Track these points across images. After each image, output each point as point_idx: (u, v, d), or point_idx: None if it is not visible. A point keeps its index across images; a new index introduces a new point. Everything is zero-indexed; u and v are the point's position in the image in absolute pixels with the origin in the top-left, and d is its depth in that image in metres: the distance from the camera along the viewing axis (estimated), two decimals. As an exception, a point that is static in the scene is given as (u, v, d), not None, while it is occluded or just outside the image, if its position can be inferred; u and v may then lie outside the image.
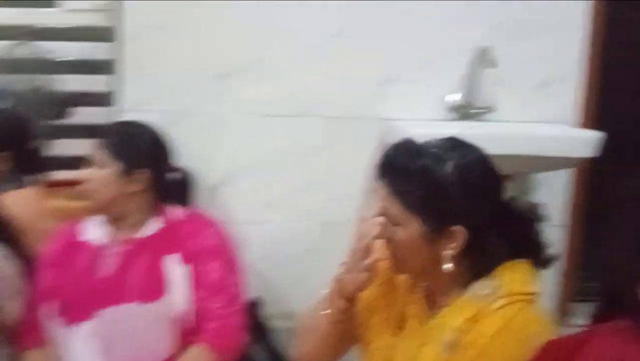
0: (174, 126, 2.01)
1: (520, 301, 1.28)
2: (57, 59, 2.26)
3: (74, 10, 2.24)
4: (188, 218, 1.85)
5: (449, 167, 1.29)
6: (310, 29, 2.22)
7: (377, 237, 1.32)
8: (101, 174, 1.78)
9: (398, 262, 1.35)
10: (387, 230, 1.31)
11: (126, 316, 1.74)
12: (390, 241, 1.32)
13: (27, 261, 1.79)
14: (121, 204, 1.79)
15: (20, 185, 2.01)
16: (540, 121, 2.32)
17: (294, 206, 2.28)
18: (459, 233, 1.29)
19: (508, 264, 1.32)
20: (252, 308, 1.98)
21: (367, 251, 1.33)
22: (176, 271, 1.76)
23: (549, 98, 2.33)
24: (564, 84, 2.34)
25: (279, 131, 2.25)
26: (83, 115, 2.26)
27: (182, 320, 1.74)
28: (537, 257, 1.35)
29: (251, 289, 1.93)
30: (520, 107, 2.32)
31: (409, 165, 1.31)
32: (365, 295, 1.41)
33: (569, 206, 2.43)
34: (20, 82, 2.24)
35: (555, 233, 2.27)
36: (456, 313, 1.29)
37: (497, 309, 1.26)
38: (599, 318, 1.15)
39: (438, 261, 1.30)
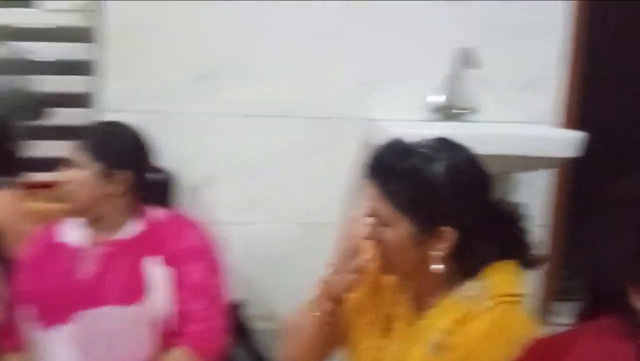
0: (155, 127, 1.98)
1: (507, 302, 1.28)
2: (36, 60, 2.23)
3: (53, 11, 2.21)
4: (169, 220, 1.84)
5: (439, 167, 1.29)
6: (292, 30, 2.21)
7: (367, 238, 1.31)
8: (80, 175, 1.76)
9: (386, 263, 1.34)
10: (376, 230, 1.31)
11: (106, 319, 1.72)
12: (379, 241, 1.31)
13: (5, 263, 1.76)
14: (101, 206, 1.77)
15: (-2, 187, 1.98)
16: (522, 121, 2.33)
17: (277, 207, 2.27)
18: (449, 234, 1.29)
19: (495, 265, 1.32)
20: (235, 310, 1.96)
21: (355, 252, 1.32)
22: (157, 273, 1.75)
23: (531, 99, 2.34)
24: (546, 84, 2.35)
25: (261, 132, 2.23)
26: (62, 116, 2.22)
27: (163, 323, 1.73)
28: (525, 258, 1.35)
29: (233, 291, 1.91)
30: (502, 107, 2.33)
31: (399, 165, 1.30)
32: (352, 296, 1.40)
33: (551, 206, 2.44)
34: (-2, 82, 2.21)
35: (536, 232, 2.28)
36: (444, 314, 1.29)
37: (485, 310, 1.26)
38: (583, 317, 1.14)
39: (426, 262, 1.30)
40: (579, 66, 2.39)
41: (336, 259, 1.36)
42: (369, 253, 1.33)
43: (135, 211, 1.81)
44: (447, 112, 2.28)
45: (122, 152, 1.79)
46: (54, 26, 2.22)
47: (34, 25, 2.22)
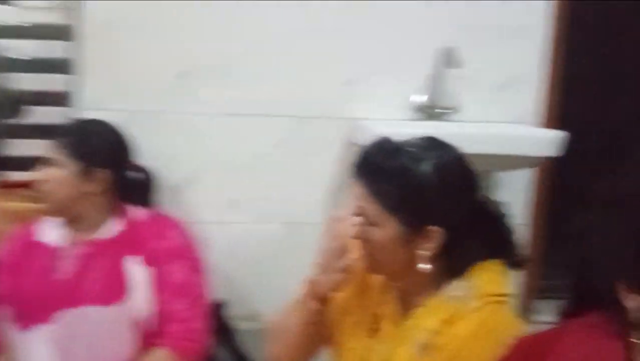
0: (136, 125, 1.97)
1: (494, 302, 1.28)
2: (14, 57, 2.20)
3: (31, 8, 2.18)
4: (150, 219, 1.82)
5: (427, 167, 1.28)
6: (275, 29, 2.19)
7: (354, 237, 1.30)
8: (59, 174, 1.74)
9: (373, 262, 1.33)
10: (363, 230, 1.30)
11: (85, 320, 1.70)
12: (366, 241, 1.31)
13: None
14: (80, 205, 1.75)
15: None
16: (503, 121, 2.34)
17: (259, 207, 2.25)
18: (436, 233, 1.28)
19: (482, 265, 1.31)
20: (217, 310, 1.95)
21: (342, 251, 1.31)
22: (137, 273, 1.73)
23: (513, 98, 2.35)
24: (527, 84, 2.36)
25: (243, 131, 2.22)
26: (40, 115, 2.19)
27: (144, 323, 1.71)
28: (511, 258, 1.35)
29: (215, 291, 1.90)
30: (484, 107, 2.33)
31: (387, 165, 1.29)
32: (339, 296, 1.40)
33: (531, 205, 2.45)
34: (-25, 80, 2.18)
35: (517, 231, 2.29)
36: (430, 315, 1.29)
37: (471, 311, 1.26)
38: (567, 315, 1.15)
39: (413, 262, 1.30)
40: (559, 66, 2.41)
41: (322, 259, 1.35)
42: (355, 253, 1.32)
43: (115, 211, 1.80)
44: (429, 111, 2.28)
45: (101, 151, 1.77)
46: (33, 23, 2.18)
47: (11, 23, 2.19)
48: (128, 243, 1.76)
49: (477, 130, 2.24)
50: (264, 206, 2.25)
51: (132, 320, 1.70)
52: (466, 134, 2.16)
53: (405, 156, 1.30)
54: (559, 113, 2.43)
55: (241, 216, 2.25)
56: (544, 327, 1.17)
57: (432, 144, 1.33)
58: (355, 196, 1.32)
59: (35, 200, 1.80)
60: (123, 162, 1.83)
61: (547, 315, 2.41)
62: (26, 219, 1.86)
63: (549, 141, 2.16)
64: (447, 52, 2.21)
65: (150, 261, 1.74)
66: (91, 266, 1.73)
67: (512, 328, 1.27)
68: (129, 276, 1.73)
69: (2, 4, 2.18)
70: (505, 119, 2.34)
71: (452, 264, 1.32)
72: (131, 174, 1.87)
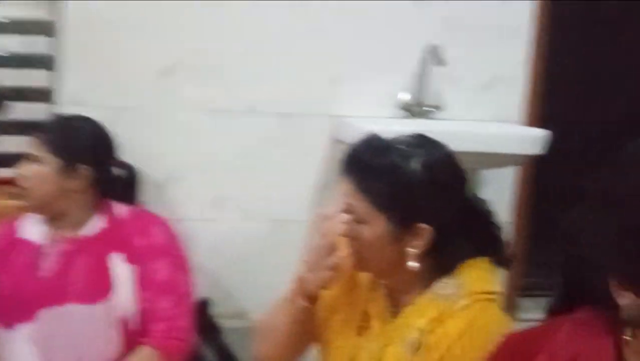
0: (118, 122, 1.96)
1: (483, 300, 1.27)
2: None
3: (12, 3, 2.15)
4: (134, 216, 1.81)
5: (416, 164, 1.28)
6: (259, 26, 2.18)
7: (342, 235, 1.29)
8: (40, 170, 1.72)
9: (361, 260, 1.32)
10: (352, 228, 1.29)
11: (68, 318, 1.68)
12: (354, 238, 1.30)
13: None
14: (62, 202, 1.73)
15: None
16: (487, 119, 2.35)
17: (243, 204, 2.24)
18: (425, 231, 1.28)
19: (470, 263, 1.31)
20: (202, 308, 1.93)
21: (331, 249, 1.31)
22: (121, 271, 1.72)
23: (497, 97, 2.36)
24: (512, 83, 2.37)
25: (228, 128, 2.20)
26: (21, 111, 2.16)
27: (128, 321, 1.70)
28: (499, 255, 1.35)
29: (201, 289, 1.89)
30: (468, 105, 2.34)
31: (376, 162, 1.29)
32: (327, 294, 1.39)
33: (514, 203, 2.47)
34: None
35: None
36: (420, 313, 1.28)
37: (460, 309, 1.26)
38: (554, 311, 1.15)
39: (402, 259, 1.29)
40: (542, 65, 2.42)
41: (310, 256, 1.34)
42: (344, 250, 1.31)
43: (98, 208, 1.78)
44: (413, 109, 2.29)
45: (83, 147, 1.75)
46: (13, 19, 2.15)
47: (-8, 18, 2.16)
48: (111, 241, 1.74)
49: (461, 128, 2.25)
50: (249, 203, 2.24)
51: (116, 318, 1.69)
52: (451, 132, 2.15)
53: (395, 153, 1.29)
54: (543, 112, 2.45)
55: (226, 213, 2.23)
56: (529, 325, 1.18)
57: (422, 142, 1.33)
58: (343, 193, 1.32)
59: (16, 197, 1.77)
60: (105, 159, 1.81)
61: (530, 313, 2.43)
62: (8, 216, 1.83)
63: (532, 140, 2.17)
64: (432, 50, 2.22)
65: (134, 258, 1.73)
66: (74, 263, 1.72)
67: (501, 325, 1.27)
68: (112, 274, 1.71)
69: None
70: (489, 118, 2.35)
71: (441, 262, 1.31)
72: (114, 170, 1.85)
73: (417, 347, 1.25)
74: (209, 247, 2.17)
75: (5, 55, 2.16)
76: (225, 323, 2.03)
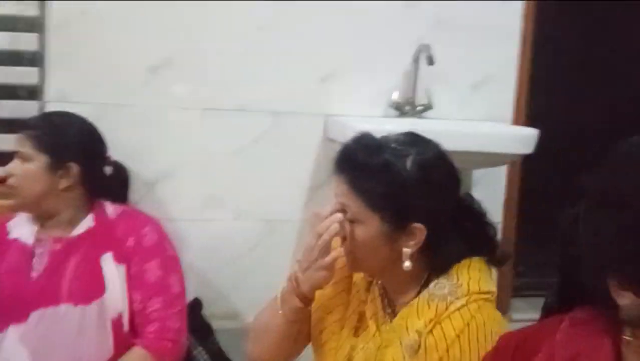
0: (107, 119, 1.94)
1: (479, 300, 1.27)
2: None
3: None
4: (124, 216, 1.79)
5: (409, 163, 1.27)
6: (251, 23, 2.17)
7: (336, 234, 1.28)
8: (27, 168, 1.70)
9: (355, 260, 1.32)
10: (346, 227, 1.28)
11: (59, 319, 1.66)
12: (347, 238, 1.29)
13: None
14: (50, 201, 1.72)
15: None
16: (478, 118, 2.35)
17: (235, 203, 2.23)
18: (419, 230, 1.27)
19: (464, 262, 1.30)
20: (194, 309, 1.92)
21: (325, 248, 1.30)
22: (112, 271, 1.69)
23: (487, 96, 2.37)
24: (502, 82, 2.38)
25: (220, 126, 2.19)
26: (8, 108, 2.13)
27: (119, 323, 1.68)
28: (492, 254, 1.35)
29: (193, 290, 1.87)
30: (459, 105, 2.35)
31: (369, 161, 1.28)
32: (321, 294, 1.38)
33: (503, 203, 2.47)
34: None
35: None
36: (416, 315, 1.27)
37: (457, 310, 1.25)
38: (550, 312, 1.14)
39: (396, 259, 1.29)
40: (529, 64, 2.43)
41: (304, 256, 1.33)
42: (337, 250, 1.31)
43: (87, 206, 1.76)
44: (404, 108, 2.28)
45: (71, 144, 1.74)
46: (0, 15, 2.12)
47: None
48: (101, 240, 1.72)
49: (452, 127, 2.25)
50: (240, 202, 2.23)
51: (108, 319, 1.67)
52: (442, 131, 2.15)
53: (388, 152, 1.28)
54: (534, 111, 2.46)
55: (218, 213, 2.22)
56: (521, 325, 1.17)
57: (414, 140, 1.32)
58: (336, 193, 1.31)
59: (5, 196, 1.75)
60: (94, 156, 1.80)
61: (521, 313, 2.44)
62: (-2, 216, 1.81)
63: (523, 139, 2.17)
64: (423, 49, 2.22)
65: (124, 258, 1.71)
66: (64, 264, 1.70)
67: (498, 325, 1.27)
68: (103, 274, 1.68)
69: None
70: (479, 117, 2.35)
71: (436, 261, 1.31)
72: (103, 169, 1.83)
73: (416, 349, 1.24)
74: (201, 247, 2.16)
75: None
76: (218, 324, 2.02)
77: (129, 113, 2.12)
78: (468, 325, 1.23)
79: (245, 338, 1.48)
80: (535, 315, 1.21)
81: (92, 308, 1.66)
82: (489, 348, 1.17)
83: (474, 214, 1.36)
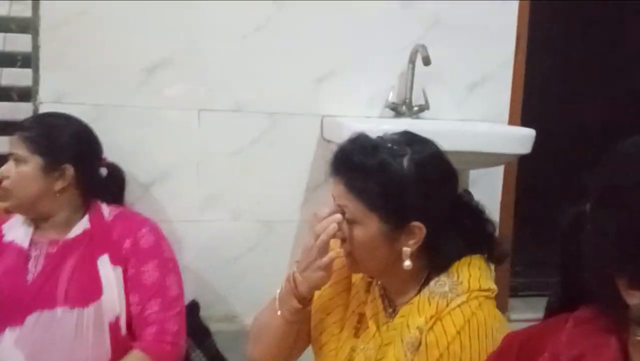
0: (103, 120, 1.93)
1: (479, 297, 1.27)
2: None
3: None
4: (120, 217, 1.78)
5: (406, 162, 1.27)
6: (247, 24, 2.16)
7: (335, 235, 1.28)
8: (22, 170, 1.68)
9: (355, 261, 1.31)
10: (344, 228, 1.28)
11: (55, 322, 1.65)
12: (347, 239, 1.28)
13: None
14: (45, 203, 1.71)
15: None
16: (475, 119, 2.35)
17: (232, 204, 2.22)
18: (418, 229, 1.27)
19: (464, 260, 1.30)
20: (191, 311, 1.90)
21: (323, 249, 1.29)
22: (109, 274, 1.68)
23: (484, 96, 2.37)
24: (499, 82, 2.38)
25: (216, 127, 2.18)
26: (2, 110, 2.12)
27: (117, 326, 1.67)
28: (491, 252, 1.35)
29: (190, 292, 1.86)
30: (455, 105, 2.35)
31: (366, 161, 1.27)
32: (320, 295, 1.37)
33: (499, 203, 2.47)
34: None
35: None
36: (417, 312, 1.27)
37: (457, 307, 1.25)
38: (553, 311, 1.14)
39: (396, 259, 1.28)
40: (525, 66, 2.44)
41: (302, 257, 1.33)
42: (336, 251, 1.30)
43: (82, 208, 1.75)
44: (400, 109, 2.28)
45: (65, 145, 1.73)
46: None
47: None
48: (97, 242, 1.71)
49: (449, 127, 2.25)
50: (238, 204, 2.22)
51: (105, 322, 1.65)
52: (438, 131, 2.15)
53: (384, 151, 1.28)
54: (530, 111, 2.46)
55: (215, 214, 2.21)
56: (518, 325, 1.17)
57: (410, 139, 1.32)
58: (334, 194, 1.30)
59: (0, 198, 1.73)
60: (89, 158, 1.79)
61: (519, 313, 2.44)
62: (-7, 218, 1.79)
63: (520, 139, 2.17)
64: (419, 50, 2.21)
65: (121, 261, 1.70)
66: (61, 266, 1.69)
67: (499, 322, 1.27)
68: (100, 276, 1.67)
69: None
70: (477, 117, 2.35)
71: (435, 260, 1.31)
72: (99, 170, 1.81)
73: (417, 346, 1.24)
74: (198, 248, 2.16)
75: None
76: (215, 326, 2.01)
77: (125, 114, 2.11)
78: (469, 321, 1.23)
79: (243, 340, 1.47)
80: (533, 315, 1.21)
81: (89, 311, 1.64)
82: (490, 344, 1.17)
83: (472, 211, 1.36)
